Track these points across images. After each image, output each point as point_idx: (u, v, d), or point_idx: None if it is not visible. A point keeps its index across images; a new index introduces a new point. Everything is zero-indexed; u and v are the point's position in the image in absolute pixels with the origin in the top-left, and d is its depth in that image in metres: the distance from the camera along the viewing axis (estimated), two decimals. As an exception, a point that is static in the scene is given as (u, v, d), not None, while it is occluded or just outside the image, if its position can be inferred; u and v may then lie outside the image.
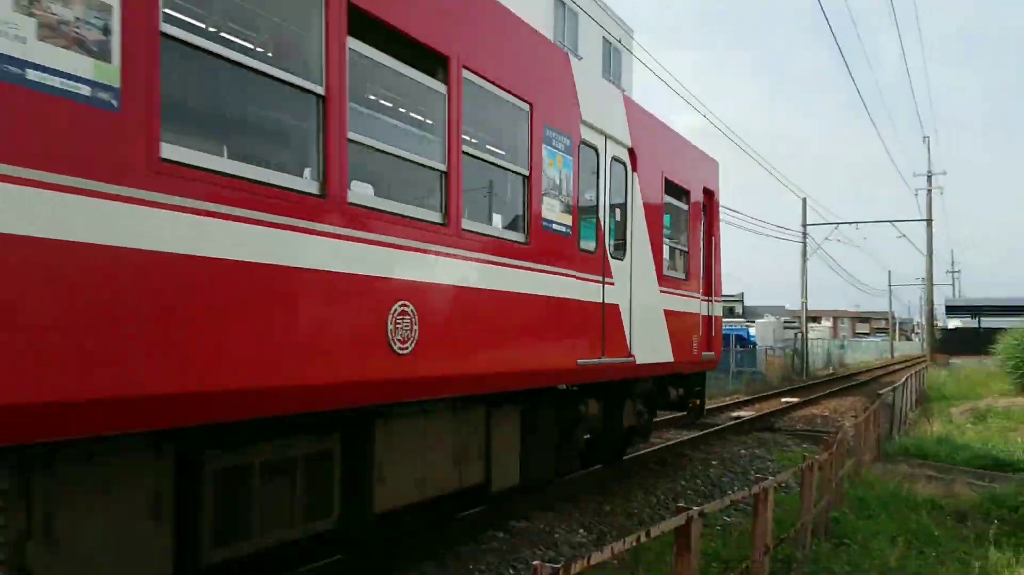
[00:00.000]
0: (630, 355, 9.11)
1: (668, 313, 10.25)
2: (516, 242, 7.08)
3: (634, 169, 9.51)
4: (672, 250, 10.77)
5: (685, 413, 12.05)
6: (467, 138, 6.42)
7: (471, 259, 6.32)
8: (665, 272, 10.23)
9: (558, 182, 7.68)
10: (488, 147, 7.02)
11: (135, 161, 3.86)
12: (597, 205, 8.83)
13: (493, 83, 6.63)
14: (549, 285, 7.55)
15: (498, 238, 6.85)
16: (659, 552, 6.85)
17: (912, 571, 7.28)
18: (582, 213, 8.35)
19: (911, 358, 68.55)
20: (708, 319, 11.75)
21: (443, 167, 6.09)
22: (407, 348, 5.58)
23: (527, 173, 7.15)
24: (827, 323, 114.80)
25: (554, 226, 7.65)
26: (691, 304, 11.18)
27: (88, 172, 3.64)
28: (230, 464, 4.98)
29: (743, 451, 13.97)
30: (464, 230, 6.24)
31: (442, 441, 6.83)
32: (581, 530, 8.26)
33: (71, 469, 4.11)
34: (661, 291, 10.07)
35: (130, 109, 3.83)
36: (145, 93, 3.90)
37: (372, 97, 5.83)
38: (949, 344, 55.85)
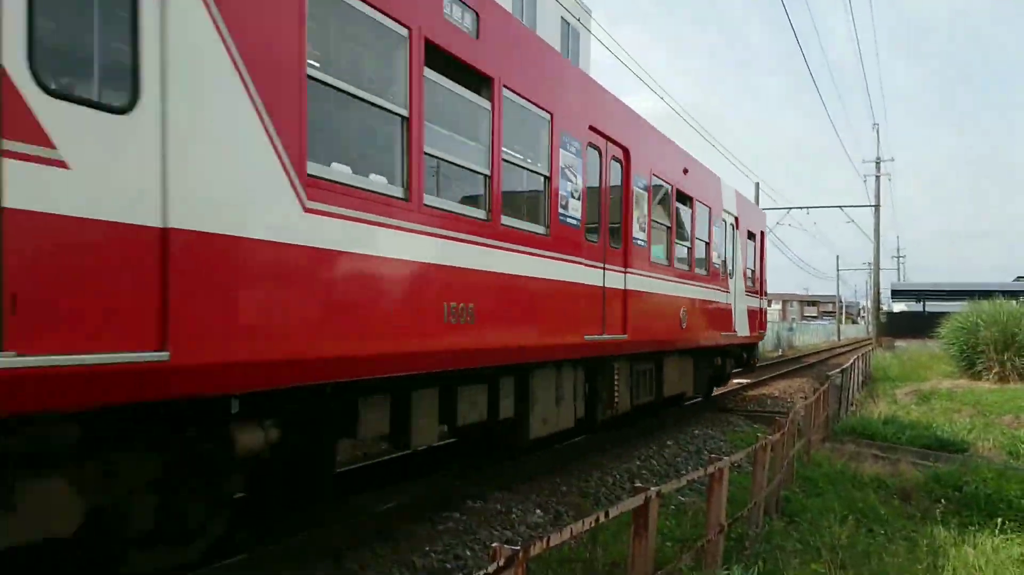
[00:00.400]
0: (737, 332, 16.27)
1: (749, 309, 17.44)
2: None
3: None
4: (747, 270, 17.62)
5: (747, 366, 20.03)
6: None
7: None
8: (746, 284, 17.28)
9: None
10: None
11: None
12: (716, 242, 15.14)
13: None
14: (717, 296, 14.93)
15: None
16: (615, 531, 6.87)
17: (862, 549, 7.42)
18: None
19: (857, 341, 70.20)
20: (761, 310, 19.04)
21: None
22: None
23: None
24: (777, 306, 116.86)
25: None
26: (755, 302, 18.24)
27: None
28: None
29: (696, 431, 14.12)
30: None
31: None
32: (537, 510, 8.25)
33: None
34: (746, 295, 17.20)
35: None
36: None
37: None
38: (894, 327, 57.26)
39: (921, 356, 35.51)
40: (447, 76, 6.58)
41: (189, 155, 4.24)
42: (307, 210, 5.03)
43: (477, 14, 6.90)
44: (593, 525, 4.73)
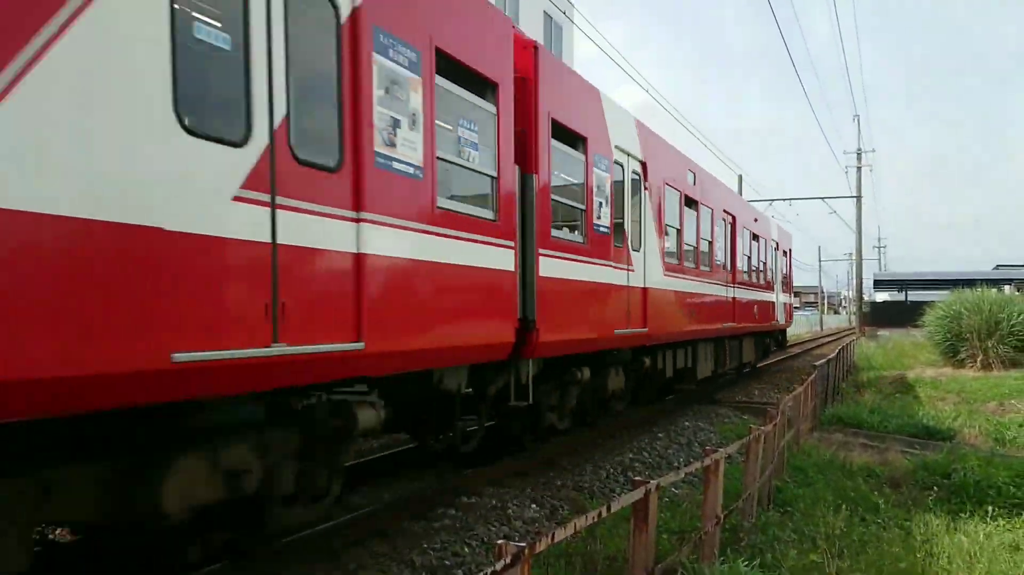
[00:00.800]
0: (779, 321, 23.93)
1: (784, 304, 25.18)
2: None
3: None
4: (783, 276, 25.45)
5: (781, 344, 27.82)
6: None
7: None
8: (782, 286, 24.96)
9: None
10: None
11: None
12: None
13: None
14: (769, 297, 22.98)
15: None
16: (612, 524, 6.88)
17: (858, 538, 7.47)
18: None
19: (840, 330, 70.73)
20: (789, 305, 26.58)
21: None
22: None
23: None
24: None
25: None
26: (788, 299, 26.25)
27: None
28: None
29: (687, 423, 14.17)
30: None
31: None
32: (533, 505, 8.25)
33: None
34: (781, 295, 24.56)
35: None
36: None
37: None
38: (877, 316, 57.75)
39: (904, 345, 35.83)
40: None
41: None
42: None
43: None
44: (596, 520, 4.73)
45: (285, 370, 5.01)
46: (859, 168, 51.43)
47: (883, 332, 49.89)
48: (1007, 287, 48.39)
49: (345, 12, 5.50)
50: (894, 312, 55.80)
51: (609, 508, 4.87)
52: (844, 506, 8.40)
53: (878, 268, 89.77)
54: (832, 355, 20.48)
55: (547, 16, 32.53)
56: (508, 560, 3.63)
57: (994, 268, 72.22)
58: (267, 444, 5.54)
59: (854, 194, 50.57)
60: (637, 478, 6.13)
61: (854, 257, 55.18)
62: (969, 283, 34.55)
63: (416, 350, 6.34)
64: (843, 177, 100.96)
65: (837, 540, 7.15)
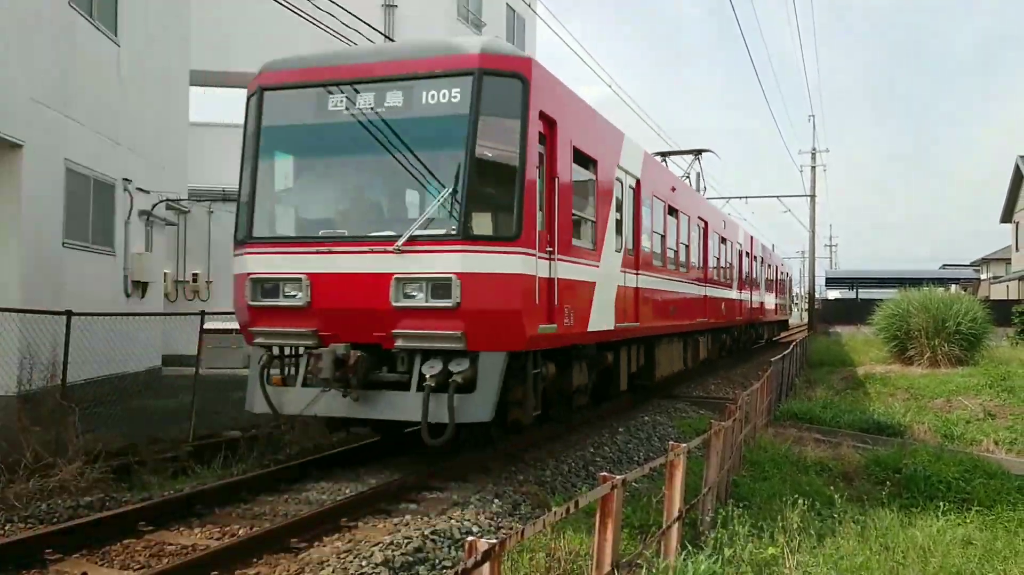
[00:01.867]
0: (784, 314, 42.18)
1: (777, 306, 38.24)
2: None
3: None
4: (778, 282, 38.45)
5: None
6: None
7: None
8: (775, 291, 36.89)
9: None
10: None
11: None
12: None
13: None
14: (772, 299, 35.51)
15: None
16: (574, 520, 6.89)
17: (815, 532, 7.59)
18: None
19: (793, 327, 71.83)
20: (779, 305, 38.69)
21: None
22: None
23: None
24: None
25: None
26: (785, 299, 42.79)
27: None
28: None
29: (646, 418, 14.28)
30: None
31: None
32: (496, 500, 8.22)
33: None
34: (775, 297, 36.90)
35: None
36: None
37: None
38: (828, 313, 58.79)
39: (855, 342, 36.58)
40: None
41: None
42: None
43: None
44: (565, 515, 4.72)
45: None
46: (813, 168, 52.37)
47: (835, 329, 50.88)
48: (953, 286, 49.71)
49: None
50: (845, 310, 56.90)
51: (577, 504, 4.87)
52: (800, 500, 8.53)
53: (829, 266, 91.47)
54: (787, 351, 20.81)
55: (510, 8, 32.43)
56: (479, 557, 3.59)
57: (940, 267, 74.11)
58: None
59: (808, 193, 51.47)
60: (604, 473, 6.14)
61: (807, 255, 56.20)
62: (916, 282, 35.38)
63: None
64: (798, 176, 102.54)
65: (795, 534, 7.25)
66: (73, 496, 8.19)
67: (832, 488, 9.61)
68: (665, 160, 22.49)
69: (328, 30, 12.38)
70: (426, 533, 6.75)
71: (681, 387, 19.48)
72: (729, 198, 47.75)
